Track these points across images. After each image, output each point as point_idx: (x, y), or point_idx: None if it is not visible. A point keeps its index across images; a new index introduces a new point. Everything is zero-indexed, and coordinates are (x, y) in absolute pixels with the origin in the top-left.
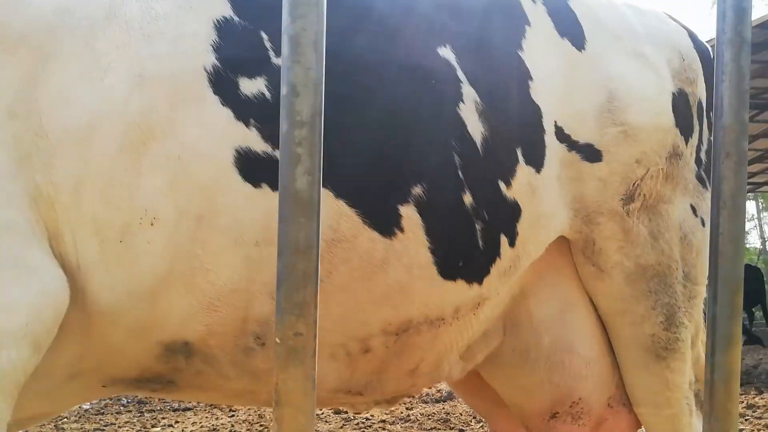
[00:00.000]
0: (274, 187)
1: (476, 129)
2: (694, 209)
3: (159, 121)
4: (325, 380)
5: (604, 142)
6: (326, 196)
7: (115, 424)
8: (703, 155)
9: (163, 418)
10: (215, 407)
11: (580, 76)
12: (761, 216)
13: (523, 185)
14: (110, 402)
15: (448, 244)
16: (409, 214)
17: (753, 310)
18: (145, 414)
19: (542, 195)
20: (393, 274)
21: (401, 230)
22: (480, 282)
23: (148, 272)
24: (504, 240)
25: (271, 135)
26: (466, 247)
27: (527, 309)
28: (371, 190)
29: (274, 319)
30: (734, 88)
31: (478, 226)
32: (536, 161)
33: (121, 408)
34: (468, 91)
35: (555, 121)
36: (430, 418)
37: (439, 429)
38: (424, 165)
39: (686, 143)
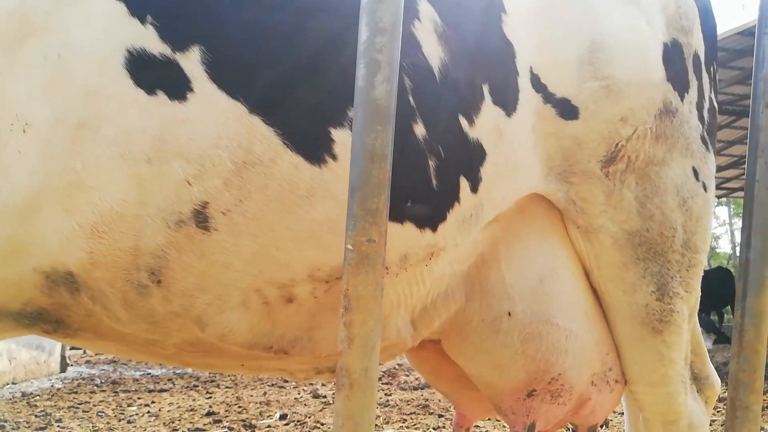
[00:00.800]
0: (172, 95)
1: (433, 52)
2: (696, 172)
3: (37, 14)
4: (235, 331)
5: (583, 98)
6: (237, 111)
7: (89, 402)
8: (706, 114)
9: (139, 398)
10: (192, 389)
11: (562, 21)
12: (732, 222)
13: (488, 126)
14: (83, 381)
15: (394, 178)
16: (344, 139)
17: (723, 311)
18: (120, 394)
19: (512, 142)
20: (322, 208)
21: (333, 157)
22: (433, 228)
23: (19, 186)
24: (464, 183)
25: (171, 35)
26: (417, 186)
27: (499, 272)
28: (295, 108)
29: (170, 253)
30: None
31: (431, 163)
32: (506, 103)
33: (95, 387)
34: (426, 9)
35: (531, 67)
36: (409, 404)
37: (419, 414)
38: None
39: (681, 99)
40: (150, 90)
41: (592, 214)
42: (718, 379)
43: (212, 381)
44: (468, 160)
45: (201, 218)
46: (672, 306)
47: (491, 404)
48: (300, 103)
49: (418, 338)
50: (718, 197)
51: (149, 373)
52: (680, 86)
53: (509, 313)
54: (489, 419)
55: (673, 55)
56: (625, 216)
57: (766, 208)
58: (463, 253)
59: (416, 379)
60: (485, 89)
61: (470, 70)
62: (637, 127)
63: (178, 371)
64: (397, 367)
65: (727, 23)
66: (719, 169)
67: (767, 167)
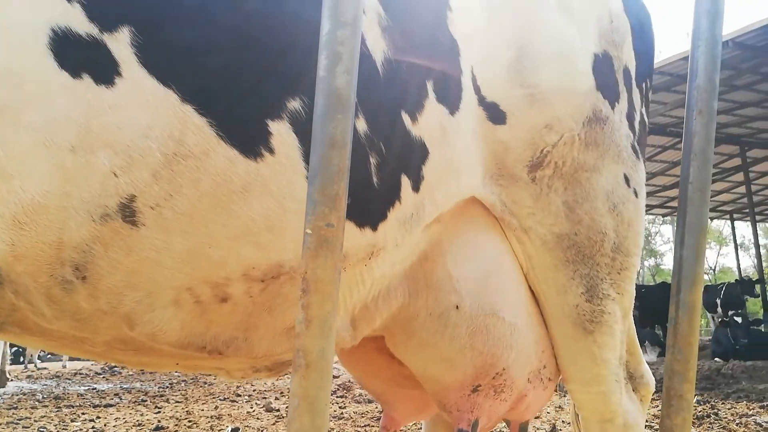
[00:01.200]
0: (98, 79)
1: (377, 45)
2: (627, 179)
3: None
4: (166, 331)
5: (510, 104)
6: (168, 99)
7: (29, 418)
8: (637, 126)
9: (83, 413)
10: (140, 403)
11: (499, 23)
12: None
13: (432, 124)
14: (24, 396)
15: None
16: (281, 132)
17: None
18: (63, 409)
19: (456, 141)
20: (258, 205)
21: (270, 152)
22: (374, 227)
23: None
24: (406, 182)
25: (100, 14)
26: (357, 183)
27: (445, 268)
28: (231, 98)
29: (96, 248)
30: (709, 53)
31: (372, 160)
32: (450, 102)
33: (37, 403)
34: (371, 2)
35: (472, 67)
36: (363, 416)
37: (374, 426)
38: (305, 75)
39: (612, 108)
40: (75, 73)
41: (520, 216)
42: (653, 378)
43: (161, 395)
44: (410, 158)
45: (128, 212)
46: (602, 307)
47: (435, 401)
48: (236, 94)
49: (358, 337)
50: (663, 215)
51: (95, 388)
52: (611, 96)
53: (457, 307)
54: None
55: (603, 65)
56: (553, 219)
57: (699, 209)
58: (405, 253)
59: None
60: (429, 86)
61: (415, 66)
62: (563, 134)
63: (125, 386)
64: (351, 380)
65: (671, 49)
66: (664, 188)
67: (699, 170)
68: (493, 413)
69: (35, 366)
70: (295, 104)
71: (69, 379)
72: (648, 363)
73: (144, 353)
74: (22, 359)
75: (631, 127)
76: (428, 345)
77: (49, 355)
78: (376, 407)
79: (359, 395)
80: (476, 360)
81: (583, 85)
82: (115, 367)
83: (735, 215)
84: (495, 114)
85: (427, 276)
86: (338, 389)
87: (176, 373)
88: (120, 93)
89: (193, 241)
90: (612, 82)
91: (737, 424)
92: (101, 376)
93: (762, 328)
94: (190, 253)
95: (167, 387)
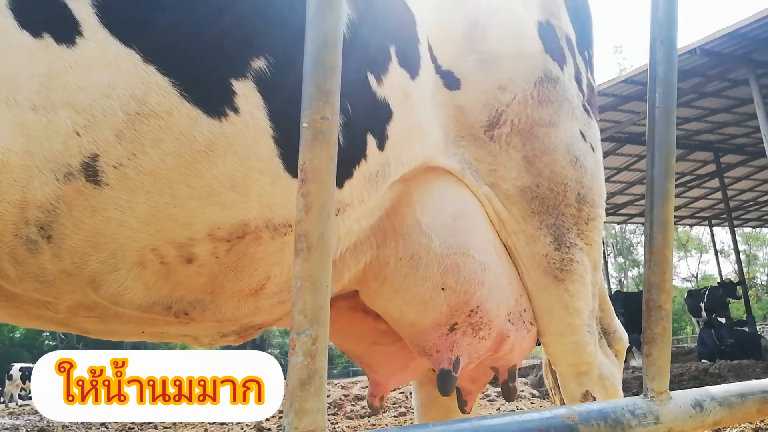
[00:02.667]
0: (59, 39)
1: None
2: (583, 134)
3: None
4: (131, 292)
5: (464, 71)
6: (130, 59)
7: None
8: (585, 88)
9: None
10: (128, 431)
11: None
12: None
13: (396, 87)
14: (7, 431)
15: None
16: (245, 91)
17: None
18: None
19: (417, 104)
20: (222, 164)
21: (235, 111)
22: (339, 185)
23: None
24: (371, 141)
25: None
26: None
27: (414, 217)
28: (194, 58)
29: (60, 207)
30: None
31: (339, 119)
32: (411, 66)
33: None
34: None
35: (428, 37)
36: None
37: None
38: (270, 34)
39: (561, 69)
40: (36, 32)
41: (483, 173)
42: (626, 333)
43: (149, 422)
44: (376, 117)
45: (91, 171)
46: (571, 256)
47: (415, 349)
48: (199, 53)
49: None
50: (618, 223)
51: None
52: (559, 58)
53: (427, 248)
54: None
55: (548, 32)
56: (515, 173)
57: (665, 130)
58: (371, 209)
59: (362, 407)
60: (392, 50)
61: (378, 31)
62: (516, 93)
63: None
64: (343, 397)
65: (643, 60)
66: (643, 197)
67: (664, 95)
68: (473, 351)
69: (16, 404)
70: (260, 63)
71: None
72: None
73: (108, 320)
74: (1, 399)
75: (580, 88)
76: (401, 288)
77: (30, 394)
78: (369, 421)
79: (350, 411)
80: (450, 298)
81: (532, 48)
82: None
83: (713, 221)
84: (451, 81)
85: (395, 226)
86: (330, 406)
87: None
88: (81, 53)
89: (157, 201)
90: (558, 47)
91: None
92: None
93: (746, 328)
94: (155, 213)
95: (119, 339)
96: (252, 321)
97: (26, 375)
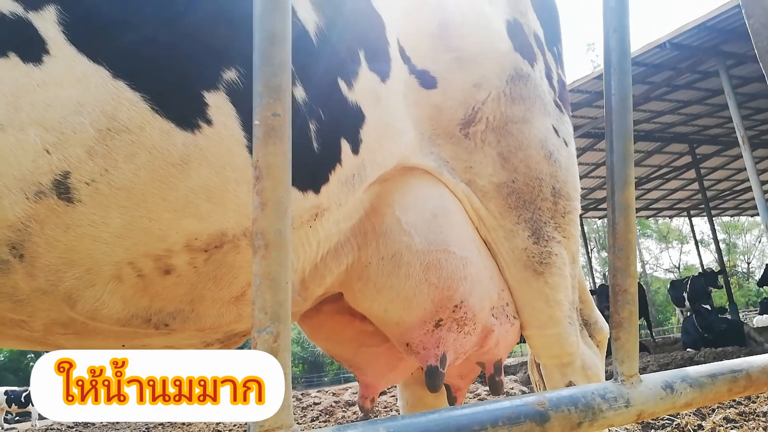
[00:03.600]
0: (26, 58)
1: (309, 18)
2: (556, 130)
3: None
4: (108, 307)
5: (439, 69)
6: (99, 75)
7: None
8: (556, 84)
9: None
10: None
11: (419, 1)
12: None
13: (366, 90)
14: None
15: None
16: (218, 103)
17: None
18: None
19: (388, 106)
20: (197, 176)
21: (208, 122)
22: (316, 190)
23: None
24: (345, 145)
25: None
26: (298, 149)
27: (393, 216)
28: (164, 71)
29: (32, 225)
30: None
31: (312, 126)
32: (381, 70)
33: None
34: None
35: (398, 39)
36: None
37: None
38: (240, 45)
39: (532, 67)
40: (1, 52)
41: (460, 170)
42: (606, 324)
43: (161, 423)
44: (348, 122)
45: (63, 189)
46: (549, 249)
47: (401, 347)
48: (170, 67)
49: (310, 297)
50: (599, 218)
51: None
52: (528, 56)
53: (408, 246)
54: None
55: (516, 30)
56: (491, 170)
57: (622, 117)
58: (349, 211)
59: (354, 413)
60: (361, 55)
61: (346, 37)
62: (490, 91)
63: None
64: (334, 404)
65: (580, 62)
66: (590, 191)
67: (619, 82)
68: (459, 347)
69: (2, 428)
70: (231, 75)
71: None
72: None
73: (86, 336)
74: None
75: (551, 84)
76: (385, 287)
77: (17, 417)
78: None
79: (342, 417)
80: (433, 294)
81: (503, 46)
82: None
83: (692, 212)
84: (426, 80)
85: (375, 227)
86: (321, 413)
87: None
88: (48, 71)
89: (132, 215)
90: (527, 44)
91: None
92: (73, 429)
93: (728, 316)
94: (130, 227)
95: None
96: (235, 328)
97: (11, 398)
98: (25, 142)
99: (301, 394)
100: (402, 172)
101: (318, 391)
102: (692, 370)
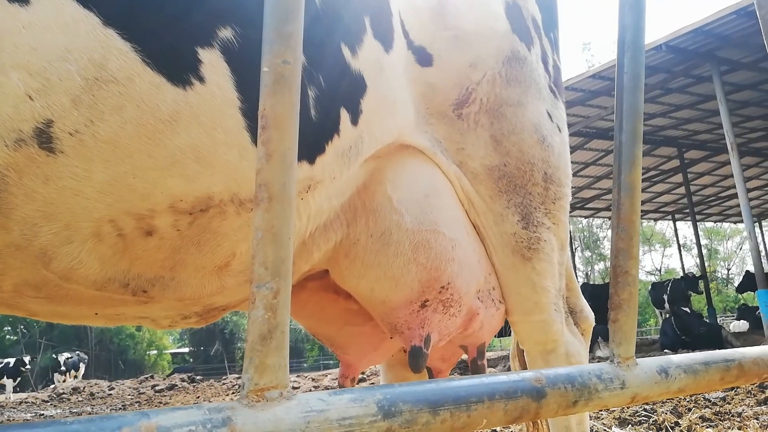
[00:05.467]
0: None
1: None
2: (549, 115)
3: None
4: (85, 266)
5: (436, 47)
6: (89, 22)
7: None
8: (551, 69)
9: None
10: None
11: None
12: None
13: (370, 59)
14: None
15: None
16: (212, 61)
17: None
18: None
19: (391, 79)
20: (186, 134)
21: (200, 80)
22: (311, 161)
23: None
24: (345, 115)
25: None
26: None
27: (385, 193)
28: (158, 23)
29: (10, 175)
30: None
31: (311, 93)
32: (385, 39)
33: None
34: None
35: (399, 11)
36: None
37: None
38: (238, 4)
39: (529, 50)
40: None
41: (452, 151)
42: (592, 312)
43: None
44: (350, 91)
45: (44, 138)
46: (538, 235)
47: (386, 327)
48: (163, 19)
49: (296, 273)
50: (585, 217)
51: (42, 414)
52: (526, 39)
53: (398, 224)
54: None
55: (515, 12)
56: (483, 152)
57: (633, 95)
58: (343, 186)
59: None
60: (367, 21)
61: (352, 1)
62: (486, 72)
63: (75, 410)
64: (313, 389)
65: (611, 56)
66: (609, 191)
67: (632, 59)
68: (443, 328)
69: None
70: (226, 33)
71: (14, 408)
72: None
73: (58, 300)
74: None
75: (547, 69)
76: (372, 265)
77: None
78: None
79: None
80: (421, 274)
81: (501, 27)
82: (63, 393)
83: (676, 216)
84: (423, 57)
85: (365, 203)
86: None
87: (129, 396)
88: (36, 13)
89: (116, 170)
90: (525, 27)
91: (688, 401)
92: (48, 403)
93: (707, 320)
94: (113, 183)
95: (119, 410)
96: (215, 301)
97: None
98: (6, 85)
99: None
100: (397, 149)
101: (297, 376)
102: (687, 356)
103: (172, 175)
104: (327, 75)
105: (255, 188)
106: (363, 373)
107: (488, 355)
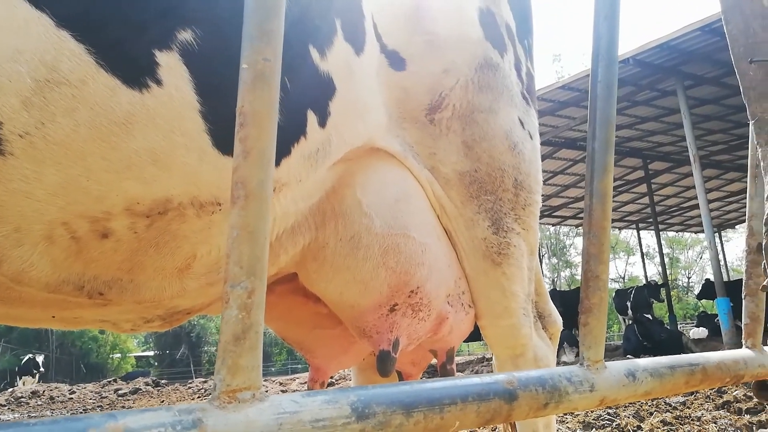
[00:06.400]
0: None
1: None
2: (521, 122)
3: None
4: (36, 269)
5: (410, 51)
6: (41, 23)
7: None
8: (524, 76)
9: None
10: None
11: None
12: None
13: (340, 61)
14: None
15: (229, 109)
16: (170, 63)
17: None
18: None
19: (361, 82)
20: (142, 137)
21: (157, 83)
22: (276, 163)
23: None
24: (312, 117)
25: None
26: None
27: (354, 197)
28: (114, 24)
29: None
30: None
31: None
32: (356, 42)
33: None
34: None
35: (372, 15)
36: None
37: None
38: (198, 5)
39: (502, 57)
40: None
41: (424, 156)
42: (560, 317)
43: None
44: (317, 93)
45: None
46: (508, 240)
47: (355, 331)
48: (120, 20)
49: None
50: (576, 226)
51: None
52: (499, 46)
53: (368, 228)
54: None
55: (488, 19)
56: (454, 158)
57: (606, 103)
58: (310, 189)
59: None
60: (338, 24)
61: (322, 3)
62: (459, 78)
63: (33, 415)
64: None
65: (579, 67)
66: (576, 200)
67: (606, 69)
68: (412, 333)
69: None
70: (186, 36)
71: None
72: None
73: (11, 303)
74: None
75: (519, 76)
76: (341, 269)
77: None
78: None
79: None
80: (390, 278)
81: (474, 34)
82: (22, 397)
83: (640, 225)
84: (396, 61)
85: (334, 207)
86: None
87: (91, 400)
88: None
89: (68, 172)
90: (498, 34)
91: (649, 405)
92: (6, 407)
93: (668, 326)
94: (65, 185)
95: (80, 413)
96: (178, 304)
97: None
98: None
99: None
100: (368, 153)
101: (265, 381)
102: (653, 360)
103: (128, 178)
104: (293, 76)
105: (231, 186)
106: (332, 377)
107: (456, 359)
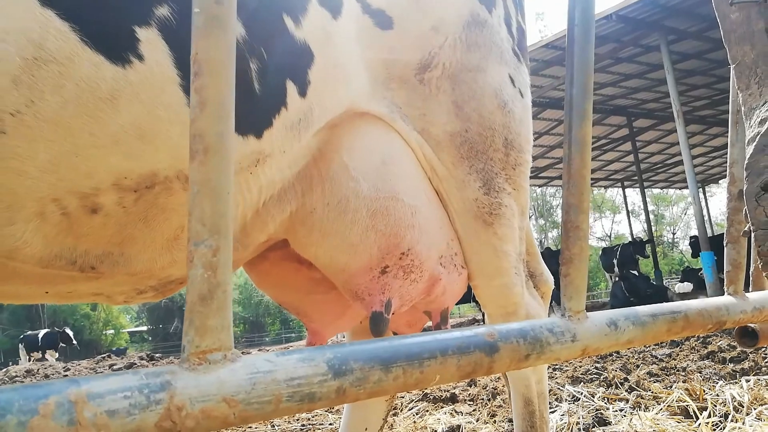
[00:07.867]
0: None
1: None
2: (512, 79)
3: None
4: (29, 245)
5: (396, 10)
6: (26, 3)
7: None
8: (515, 31)
9: None
10: None
11: None
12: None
13: (316, 28)
14: None
15: None
16: (150, 39)
17: None
18: None
19: (340, 46)
20: (127, 113)
21: (139, 58)
22: (258, 135)
23: None
24: (291, 87)
25: None
26: (237, 92)
27: (341, 161)
28: (94, 3)
29: None
30: None
31: (253, 65)
32: (332, 6)
33: None
34: None
35: None
36: None
37: None
38: None
39: (490, 13)
40: None
41: (413, 117)
42: (551, 276)
43: None
44: (295, 62)
45: None
46: (499, 200)
47: (348, 294)
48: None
49: (252, 245)
50: (539, 186)
51: None
52: (486, 1)
53: (355, 192)
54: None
55: None
56: (444, 118)
57: (584, 48)
58: (295, 158)
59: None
60: None
61: None
62: (447, 36)
63: None
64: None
65: (529, 32)
66: (532, 159)
67: (583, 12)
68: (405, 294)
69: None
70: (163, 11)
71: None
72: None
73: (4, 279)
74: None
75: (510, 32)
76: (330, 233)
77: None
78: None
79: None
80: (380, 241)
81: None
82: (17, 376)
83: (625, 183)
84: (382, 20)
85: (321, 172)
86: None
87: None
88: None
89: (57, 149)
90: None
91: (636, 358)
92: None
93: (654, 281)
94: (55, 162)
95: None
96: (171, 274)
97: None
98: None
99: (242, 353)
100: (353, 117)
101: (259, 350)
102: (635, 309)
103: (115, 153)
104: (269, 47)
105: (189, 139)
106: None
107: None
